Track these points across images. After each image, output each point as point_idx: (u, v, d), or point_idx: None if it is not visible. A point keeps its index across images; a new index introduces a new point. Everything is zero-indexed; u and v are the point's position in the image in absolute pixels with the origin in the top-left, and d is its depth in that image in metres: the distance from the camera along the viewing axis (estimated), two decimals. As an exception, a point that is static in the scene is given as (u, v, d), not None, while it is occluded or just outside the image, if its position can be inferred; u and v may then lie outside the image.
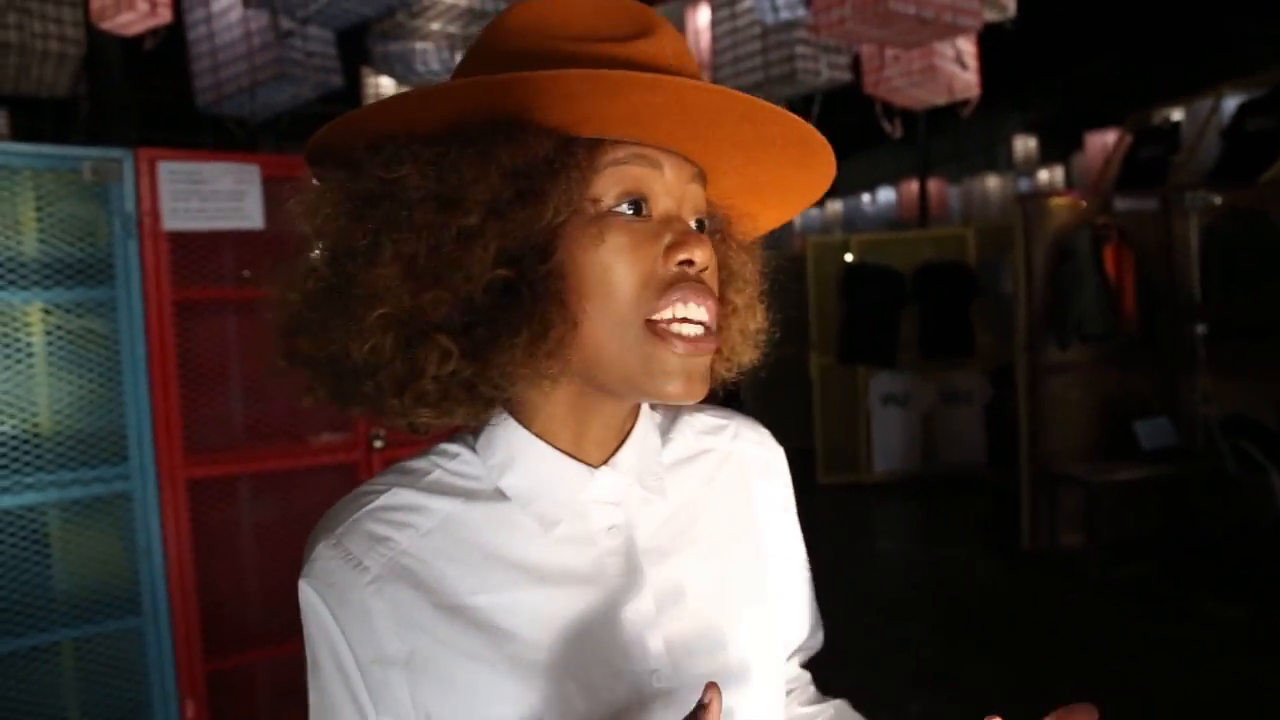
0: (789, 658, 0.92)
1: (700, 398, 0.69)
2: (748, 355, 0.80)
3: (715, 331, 0.69)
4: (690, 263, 0.66)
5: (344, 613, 0.67)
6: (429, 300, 0.62)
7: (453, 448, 0.75)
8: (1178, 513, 5.48)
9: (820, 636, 0.95)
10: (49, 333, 2.75)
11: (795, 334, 7.97)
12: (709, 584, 0.76)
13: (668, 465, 0.79)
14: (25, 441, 2.69)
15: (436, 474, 0.72)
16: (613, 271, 0.65)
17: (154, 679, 2.84)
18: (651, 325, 0.65)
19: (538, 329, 0.63)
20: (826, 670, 0.99)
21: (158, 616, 2.83)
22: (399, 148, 0.64)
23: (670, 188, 0.68)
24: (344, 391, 0.68)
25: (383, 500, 0.70)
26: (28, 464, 2.67)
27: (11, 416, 2.69)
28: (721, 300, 0.75)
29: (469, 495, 0.72)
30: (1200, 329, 5.41)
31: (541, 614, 0.69)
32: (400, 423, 0.68)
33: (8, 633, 2.62)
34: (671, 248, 0.66)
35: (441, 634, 0.67)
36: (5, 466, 2.63)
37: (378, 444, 3.15)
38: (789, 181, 0.76)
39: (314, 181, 0.70)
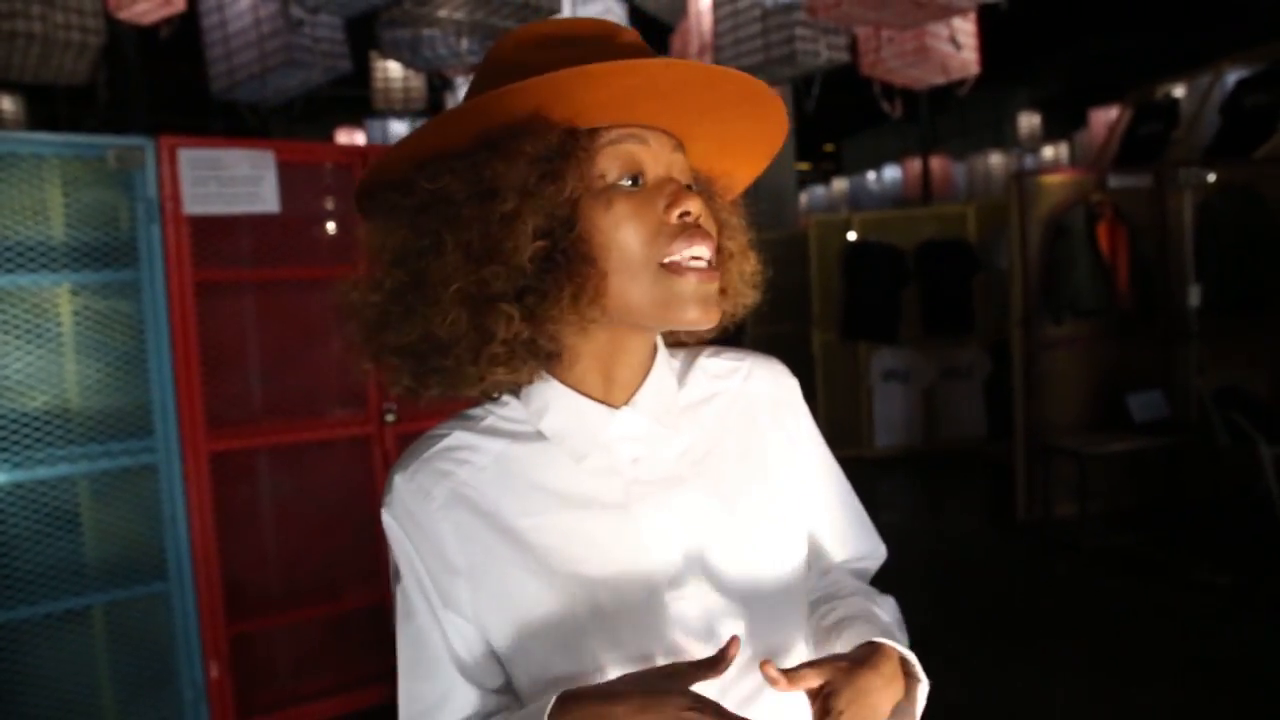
0: (846, 569, 1.05)
1: (715, 321, 0.84)
2: (749, 296, 0.95)
3: (717, 266, 0.85)
4: (687, 213, 0.81)
5: (416, 533, 0.84)
6: (488, 274, 0.78)
7: (503, 398, 0.90)
8: (1169, 483, 5.58)
9: (881, 550, 1.09)
10: (76, 313, 2.87)
11: (798, 311, 8.06)
12: (719, 507, 0.88)
13: (682, 407, 0.92)
14: (56, 417, 2.82)
15: (490, 419, 0.88)
16: (624, 229, 0.80)
17: (179, 641, 2.98)
18: (666, 266, 0.80)
19: (577, 283, 0.79)
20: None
21: (183, 582, 2.96)
22: (438, 163, 0.80)
23: (658, 157, 0.84)
24: (424, 373, 0.84)
25: (446, 442, 0.86)
26: (59, 438, 2.79)
27: (43, 393, 2.81)
28: (718, 249, 0.89)
29: (515, 436, 0.87)
30: (1193, 303, 5.48)
31: (575, 532, 0.84)
32: (476, 390, 0.85)
33: (43, 596, 2.75)
34: (669, 205, 0.81)
35: (495, 550, 0.83)
36: (38, 440, 2.76)
37: (389, 419, 3.27)
38: (750, 134, 0.92)
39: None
